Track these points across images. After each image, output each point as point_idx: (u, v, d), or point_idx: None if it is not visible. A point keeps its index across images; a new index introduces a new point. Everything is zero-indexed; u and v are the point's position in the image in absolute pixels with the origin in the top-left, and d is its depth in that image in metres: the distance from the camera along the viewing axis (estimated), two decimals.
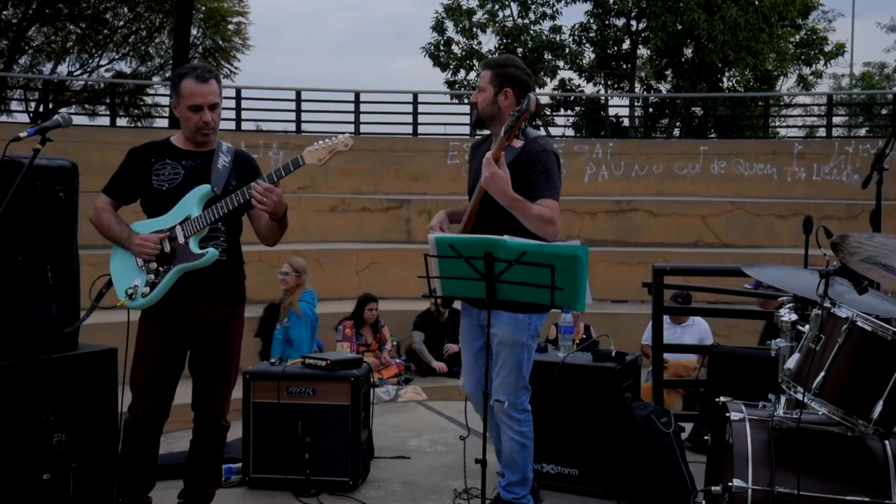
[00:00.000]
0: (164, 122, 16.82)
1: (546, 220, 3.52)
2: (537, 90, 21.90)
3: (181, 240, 3.51)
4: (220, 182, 3.58)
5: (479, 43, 22.44)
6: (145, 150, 3.65)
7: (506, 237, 3.40)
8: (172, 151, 3.64)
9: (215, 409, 3.70)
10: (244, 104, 14.97)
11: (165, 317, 3.56)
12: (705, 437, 3.44)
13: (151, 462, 3.67)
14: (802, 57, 23.59)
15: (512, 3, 22.57)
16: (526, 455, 3.78)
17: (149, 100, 23.84)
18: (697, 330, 7.76)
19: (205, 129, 3.56)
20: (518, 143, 3.62)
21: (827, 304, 2.90)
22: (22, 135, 3.21)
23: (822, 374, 2.84)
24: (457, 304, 3.94)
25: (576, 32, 22.82)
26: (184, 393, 3.70)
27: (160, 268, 3.52)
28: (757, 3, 20.11)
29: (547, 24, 22.43)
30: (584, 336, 8.25)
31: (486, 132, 4.02)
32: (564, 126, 23.04)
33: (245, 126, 15.07)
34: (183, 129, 3.63)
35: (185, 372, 3.70)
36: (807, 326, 3.00)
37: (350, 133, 14.93)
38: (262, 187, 3.41)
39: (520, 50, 21.95)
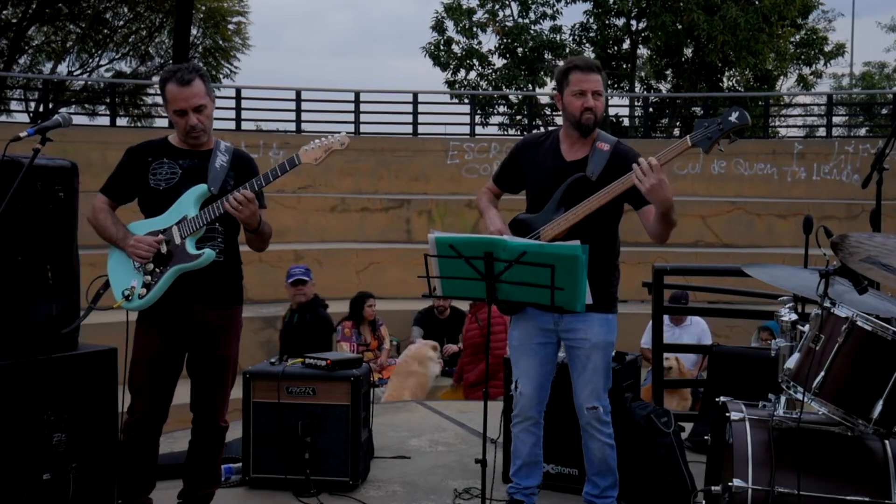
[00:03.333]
0: (163, 122, 16.79)
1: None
2: (537, 90, 22.04)
3: (178, 240, 3.49)
4: (216, 182, 3.55)
5: (479, 42, 22.46)
6: (143, 150, 3.63)
7: (506, 237, 3.40)
8: (170, 150, 3.61)
9: (214, 411, 3.69)
10: (244, 104, 14.96)
11: (162, 319, 3.54)
12: (705, 437, 3.44)
13: (151, 463, 3.66)
14: (802, 57, 23.59)
15: (512, 3, 22.57)
16: (615, 456, 3.79)
17: (149, 100, 23.82)
18: (695, 329, 7.77)
19: (192, 132, 3.53)
20: (606, 146, 3.68)
21: (827, 304, 2.90)
22: (22, 135, 3.21)
23: (822, 373, 2.84)
24: (458, 304, 3.95)
25: (576, 32, 22.83)
26: (183, 393, 3.69)
27: (157, 269, 3.50)
28: (757, 3, 20.11)
29: (547, 24, 22.46)
30: None
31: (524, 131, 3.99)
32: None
33: (245, 126, 15.07)
34: (176, 131, 3.62)
35: (185, 372, 3.70)
36: (807, 326, 3.00)
37: (348, 132, 14.89)
38: (240, 197, 3.40)
39: (520, 50, 21.95)
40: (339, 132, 3.63)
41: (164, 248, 3.49)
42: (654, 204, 3.43)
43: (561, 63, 3.83)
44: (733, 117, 3.44)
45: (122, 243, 3.53)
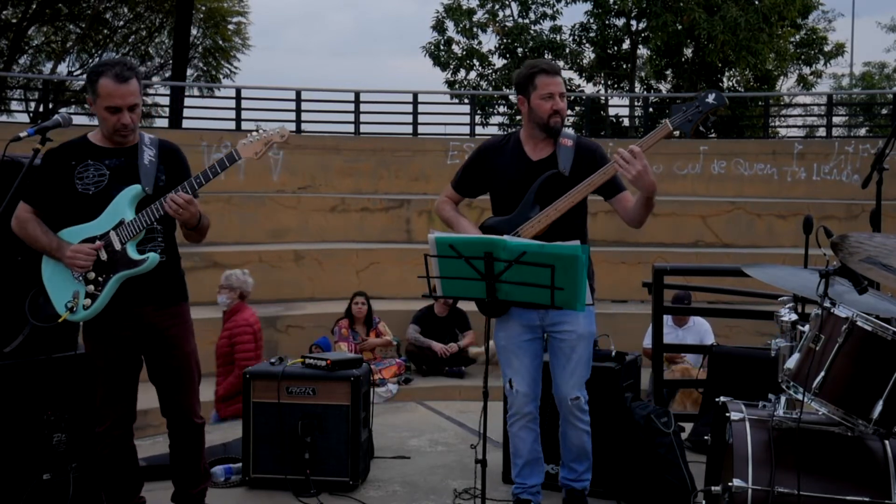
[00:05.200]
0: (163, 122, 16.79)
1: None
2: None
3: (118, 246, 3.33)
4: (149, 180, 3.39)
5: (480, 42, 22.48)
6: (63, 152, 3.42)
7: (506, 237, 3.41)
8: (93, 151, 3.43)
9: (185, 410, 3.60)
10: (244, 104, 14.96)
11: (115, 325, 3.42)
12: (705, 437, 3.44)
13: (132, 467, 3.61)
14: (802, 57, 23.60)
15: (512, 3, 22.58)
16: (590, 442, 3.87)
17: (149, 100, 23.84)
18: (697, 331, 7.76)
19: (123, 130, 3.37)
20: (569, 142, 3.75)
21: (827, 304, 2.90)
22: (22, 135, 3.20)
23: (822, 374, 2.84)
24: (461, 305, 3.94)
25: (576, 32, 22.84)
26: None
27: (99, 277, 3.34)
28: (757, 3, 20.11)
29: (547, 24, 22.48)
30: None
31: (486, 133, 4.03)
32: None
33: (245, 126, 15.03)
34: (101, 127, 3.44)
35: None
36: (807, 326, 3.00)
37: (349, 132, 14.68)
38: (180, 200, 3.28)
39: (520, 50, 21.96)
40: (278, 123, 3.54)
41: (103, 255, 3.34)
42: (641, 189, 3.51)
43: (562, 63, 3.86)
44: (710, 98, 3.50)
45: (58, 254, 3.35)
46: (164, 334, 3.50)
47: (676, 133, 3.60)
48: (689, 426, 5.19)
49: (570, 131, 3.86)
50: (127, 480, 3.60)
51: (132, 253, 3.35)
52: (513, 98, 22.04)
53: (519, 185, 3.73)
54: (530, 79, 3.75)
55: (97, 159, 3.42)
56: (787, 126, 22.62)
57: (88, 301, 3.36)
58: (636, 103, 19.23)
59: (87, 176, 3.39)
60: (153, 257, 3.37)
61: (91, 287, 3.36)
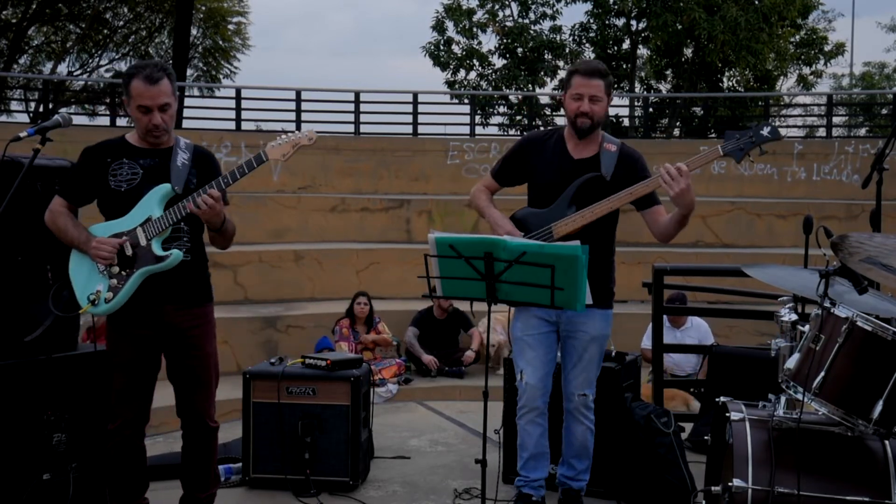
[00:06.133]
0: None
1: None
2: (537, 90, 22.04)
3: (143, 242, 3.39)
4: (180, 181, 3.46)
5: (480, 43, 22.48)
6: (100, 150, 3.51)
7: (506, 237, 3.41)
8: (129, 150, 3.50)
9: (200, 412, 3.61)
10: (244, 104, 14.94)
11: (135, 323, 3.45)
12: (705, 437, 3.45)
13: (140, 467, 3.61)
14: (802, 57, 23.61)
15: (512, 3, 22.58)
16: (593, 441, 3.93)
17: None
18: (696, 333, 7.74)
19: (155, 131, 3.43)
20: (613, 147, 3.80)
21: (827, 305, 2.90)
22: (22, 135, 3.21)
23: (822, 374, 2.84)
24: (459, 304, 3.96)
25: (576, 32, 22.85)
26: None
27: (122, 272, 3.40)
28: (757, 2, 20.12)
29: (547, 24, 22.48)
30: None
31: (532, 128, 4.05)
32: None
33: (245, 126, 15.03)
34: (136, 128, 3.52)
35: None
36: (807, 326, 3.00)
37: (348, 132, 14.66)
38: (207, 198, 3.32)
39: (520, 50, 21.96)
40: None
41: (128, 251, 3.39)
42: (680, 207, 3.57)
43: (562, 63, 3.93)
44: (765, 131, 3.55)
45: (85, 246, 3.42)
46: (185, 335, 3.52)
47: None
48: (689, 426, 5.19)
49: (614, 137, 3.90)
50: (133, 481, 3.60)
51: (157, 249, 3.40)
52: (513, 98, 22.09)
53: (558, 180, 3.77)
54: (568, 77, 3.84)
55: (132, 158, 3.49)
56: (787, 126, 22.59)
57: (111, 294, 3.40)
58: (636, 103, 19.21)
59: (121, 173, 3.47)
60: (176, 254, 3.41)
61: (114, 281, 3.41)
